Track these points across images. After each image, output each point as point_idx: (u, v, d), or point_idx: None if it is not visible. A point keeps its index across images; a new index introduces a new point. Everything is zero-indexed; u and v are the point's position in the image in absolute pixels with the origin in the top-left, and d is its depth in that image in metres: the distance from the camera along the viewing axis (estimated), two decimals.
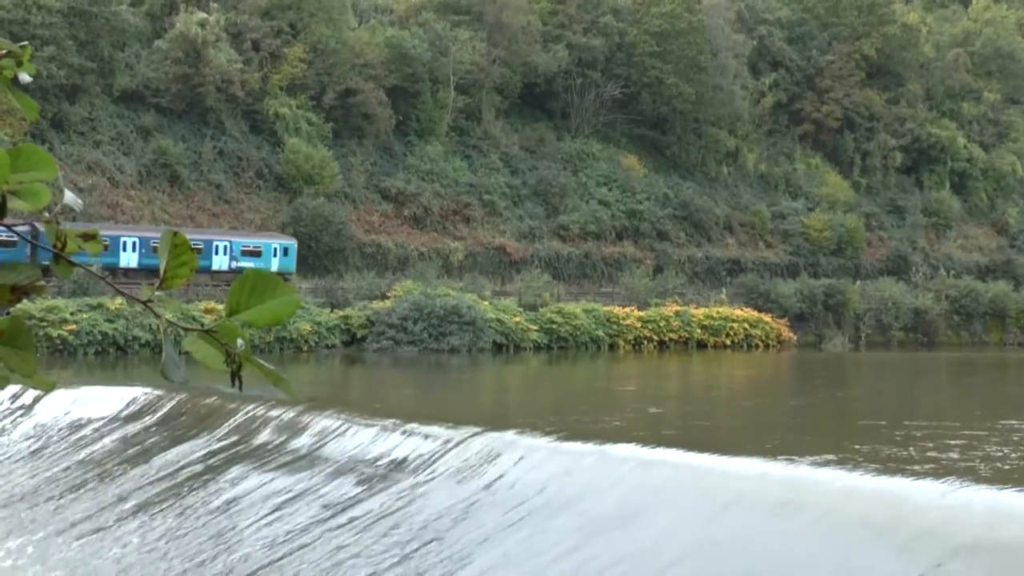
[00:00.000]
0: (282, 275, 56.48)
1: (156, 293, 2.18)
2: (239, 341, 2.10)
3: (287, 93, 72.71)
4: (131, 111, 67.99)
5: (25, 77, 2.45)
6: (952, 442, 17.85)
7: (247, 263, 58.74)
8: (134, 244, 56.56)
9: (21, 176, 2.23)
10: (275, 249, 62.16)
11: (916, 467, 14.00)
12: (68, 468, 21.27)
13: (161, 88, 67.86)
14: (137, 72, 68.71)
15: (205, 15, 68.82)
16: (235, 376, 2.13)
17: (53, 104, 63.23)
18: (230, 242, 61.01)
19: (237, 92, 69.21)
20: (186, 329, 2.12)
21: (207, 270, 58.60)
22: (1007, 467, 15.41)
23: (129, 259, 56.34)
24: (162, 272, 2.16)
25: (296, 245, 63.57)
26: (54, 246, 2.20)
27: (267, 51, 72.90)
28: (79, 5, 65.06)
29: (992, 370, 54.48)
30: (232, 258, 60.46)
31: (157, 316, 2.17)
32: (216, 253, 60.17)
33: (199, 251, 55.86)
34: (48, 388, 2.28)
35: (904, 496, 10.75)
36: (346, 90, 73.23)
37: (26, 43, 2.49)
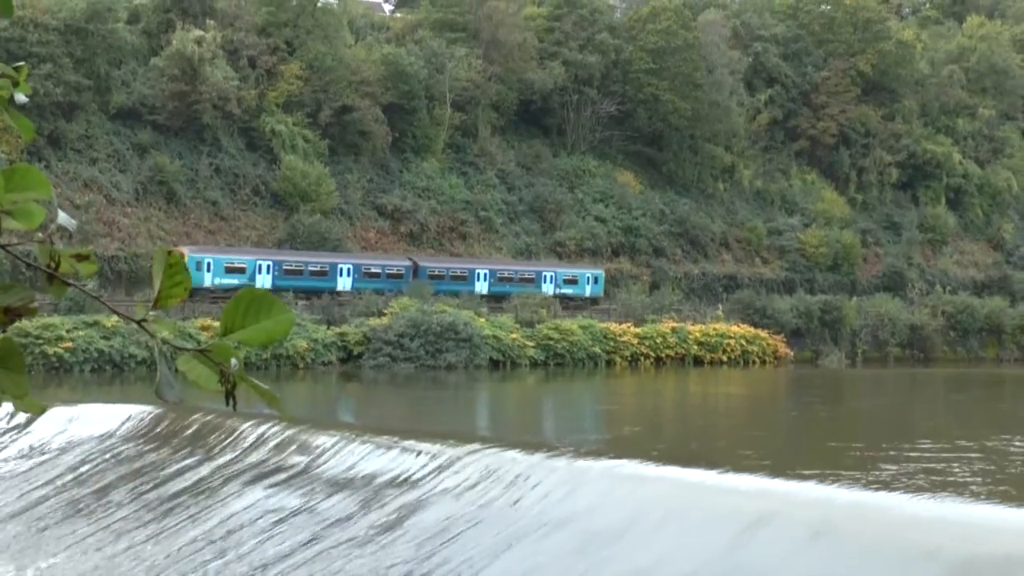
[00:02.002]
0: (591, 299, 72.33)
1: (151, 313, 2.17)
2: (232, 361, 2.10)
3: (283, 110, 72.77)
4: (127, 128, 68.01)
5: (21, 98, 2.44)
6: (918, 464, 17.79)
7: (567, 290, 71.67)
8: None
9: (15, 196, 2.23)
10: (588, 277, 73.22)
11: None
12: (64, 486, 21.21)
13: (157, 105, 67.88)
14: (133, 89, 68.74)
15: (201, 33, 68.87)
16: (229, 395, 2.13)
17: (50, 121, 63.26)
18: (555, 272, 71.95)
19: (233, 109, 69.23)
20: (180, 349, 2.11)
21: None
22: (961, 493, 15.38)
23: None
24: (156, 292, 2.15)
25: (603, 273, 74.27)
26: (47, 266, 2.20)
27: (263, 68, 72.98)
28: (76, 23, 65.14)
29: (984, 387, 54.49)
30: (556, 286, 71.34)
31: (151, 335, 2.17)
32: (545, 282, 70.96)
33: (532, 281, 70.42)
34: (39, 411, 2.27)
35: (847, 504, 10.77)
36: (342, 107, 73.28)
37: (22, 64, 2.48)
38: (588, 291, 72.75)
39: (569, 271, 72.93)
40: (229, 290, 57.31)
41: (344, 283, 64.31)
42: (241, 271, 61.37)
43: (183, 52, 67.20)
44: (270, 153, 71.45)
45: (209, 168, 68.54)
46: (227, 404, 2.11)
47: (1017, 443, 22.03)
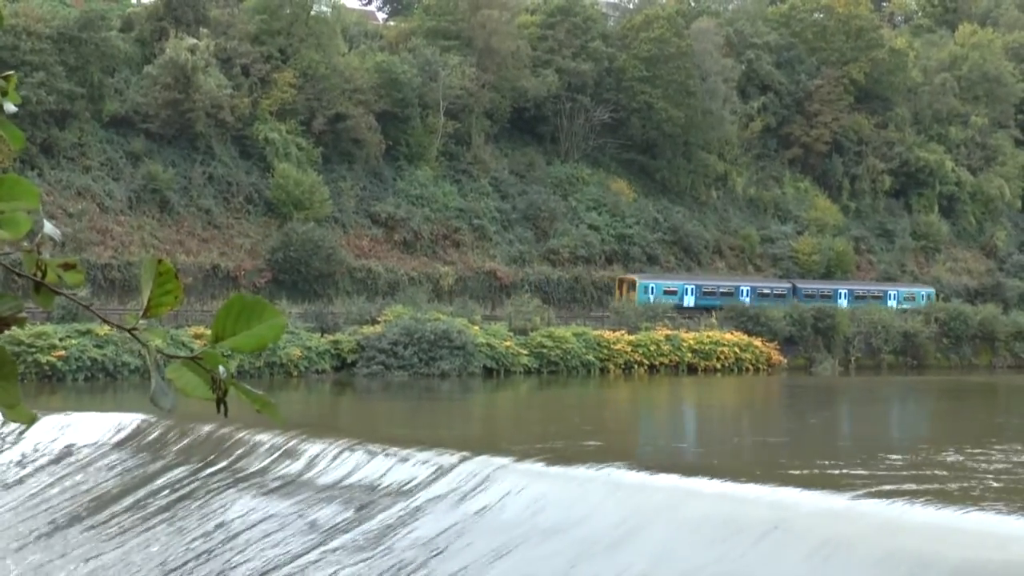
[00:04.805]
0: None
1: (141, 322, 2.15)
2: (220, 368, 2.08)
3: (277, 118, 72.68)
4: (121, 136, 67.91)
5: (10, 107, 2.43)
6: (867, 487, 17.62)
7: (906, 306, 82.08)
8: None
9: (3, 205, 2.21)
10: (922, 295, 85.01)
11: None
12: (57, 494, 21.14)
13: (151, 113, 67.78)
14: (127, 98, 68.66)
15: (195, 41, 68.81)
16: (220, 403, 2.11)
17: (43, 129, 63.17)
18: (898, 290, 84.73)
19: (227, 117, 69.15)
20: (171, 357, 2.09)
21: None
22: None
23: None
24: (145, 300, 2.13)
25: (934, 291, 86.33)
26: (34, 275, 2.18)
27: (257, 76, 72.90)
28: (69, 31, 65.08)
29: (972, 396, 54.46)
30: (898, 302, 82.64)
31: (143, 344, 2.15)
32: (890, 299, 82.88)
33: (879, 298, 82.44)
34: (29, 420, 2.25)
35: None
36: (336, 115, 73.24)
37: (10, 73, 2.47)
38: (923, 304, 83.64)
39: (908, 289, 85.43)
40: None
41: (744, 300, 76.52)
42: (674, 293, 74.81)
43: (176, 60, 67.12)
44: (263, 161, 71.36)
45: (202, 176, 68.45)
46: (219, 412, 2.09)
47: (991, 458, 22.01)
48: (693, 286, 76.36)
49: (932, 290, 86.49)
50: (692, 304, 74.89)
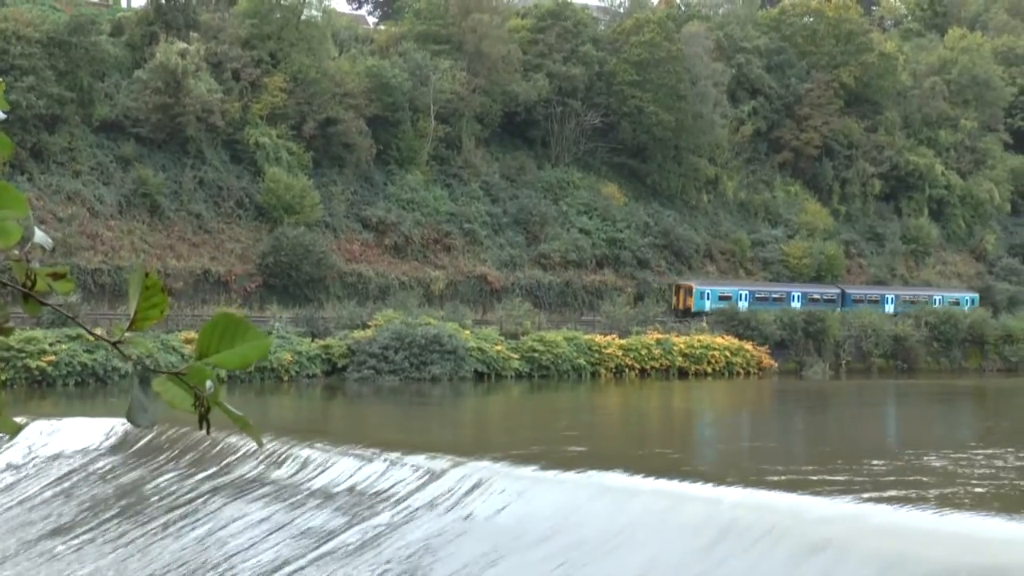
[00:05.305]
0: None
1: (126, 334, 2.16)
2: (208, 383, 2.08)
3: (267, 122, 72.60)
4: (111, 141, 67.79)
5: None
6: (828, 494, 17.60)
7: (952, 310, 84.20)
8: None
9: None
10: (967, 300, 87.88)
11: None
12: (46, 501, 21.09)
13: (141, 118, 67.67)
14: (117, 102, 68.54)
15: (185, 45, 68.73)
16: (203, 419, 2.11)
17: (32, 134, 63.04)
18: (942, 295, 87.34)
19: (217, 122, 69.08)
20: (156, 371, 2.10)
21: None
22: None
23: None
24: (132, 313, 2.14)
25: (978, 296, 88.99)
26: (23, 284, 2.18)
27: (247, 81, 72.85)
28: (59, 36, 64.97)
29: (962, 400, 54.53)
30: (944, 306, 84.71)
31: (127, 358, 2.15)
32: (932, 304, 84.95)
33: (925, 303, 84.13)
34: (14, 431, 2.25)
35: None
36: (326, 119, 73.20)
37: None
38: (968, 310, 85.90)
39: (951, 294, 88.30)
40: (719, 311, 74.54)
41: (795, 306, 79.23)
42: (728, 298, 77.07)
43: (167, 65, 67.01)
44: (254, 165, 71.27)
45: (193, 181, 68.35)
46: (201, 428, 2.09)
47: (978, 462, 22.04)
48: (747, 292, 78.97)
49: (976, 295, 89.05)
50: (745, 309, 76.74)
